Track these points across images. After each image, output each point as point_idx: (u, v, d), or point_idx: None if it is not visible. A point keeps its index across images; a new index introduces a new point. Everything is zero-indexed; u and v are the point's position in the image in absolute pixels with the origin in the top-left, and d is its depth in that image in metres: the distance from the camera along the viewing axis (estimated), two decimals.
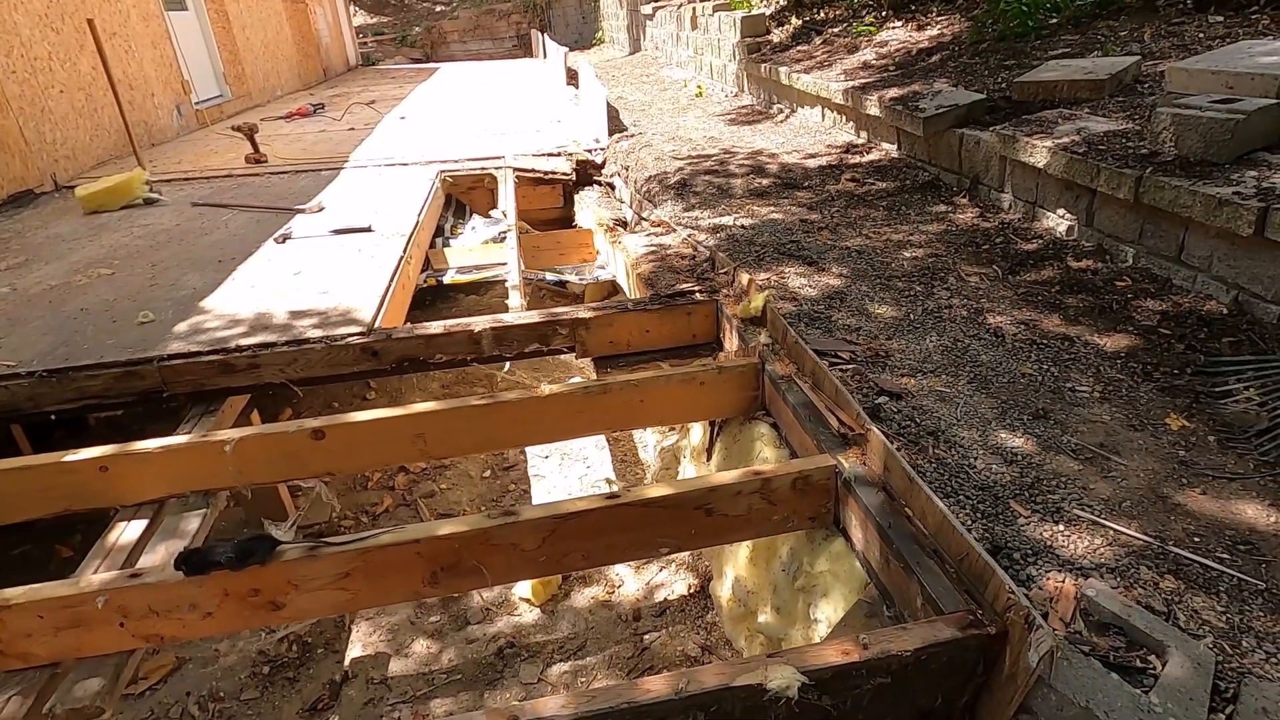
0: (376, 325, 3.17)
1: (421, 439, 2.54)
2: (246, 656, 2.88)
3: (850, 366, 2.46)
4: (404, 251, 4.08)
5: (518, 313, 3.21)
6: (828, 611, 1.99)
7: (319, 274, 3.76)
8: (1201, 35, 3.97)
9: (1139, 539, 1.74)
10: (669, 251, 3.90)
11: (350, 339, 3.00)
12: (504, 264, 4.55)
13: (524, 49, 20.99)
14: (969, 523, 1.80)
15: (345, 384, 4.57)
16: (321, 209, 5.04)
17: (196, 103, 8.99)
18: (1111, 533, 1.76)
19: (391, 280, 3.66)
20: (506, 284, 3.64)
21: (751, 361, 2.67)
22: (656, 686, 1.44)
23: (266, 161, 6.64)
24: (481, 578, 1.98)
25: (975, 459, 2.02)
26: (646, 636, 2.78)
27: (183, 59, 8.69)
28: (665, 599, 2.95)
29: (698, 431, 3.13)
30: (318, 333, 3.08)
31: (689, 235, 4.01)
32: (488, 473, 3.94)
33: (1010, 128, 3.48)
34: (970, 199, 3.88)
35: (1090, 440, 2.07)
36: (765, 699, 1.45)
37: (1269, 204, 2.29)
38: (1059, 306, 2.78)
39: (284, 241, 4.34)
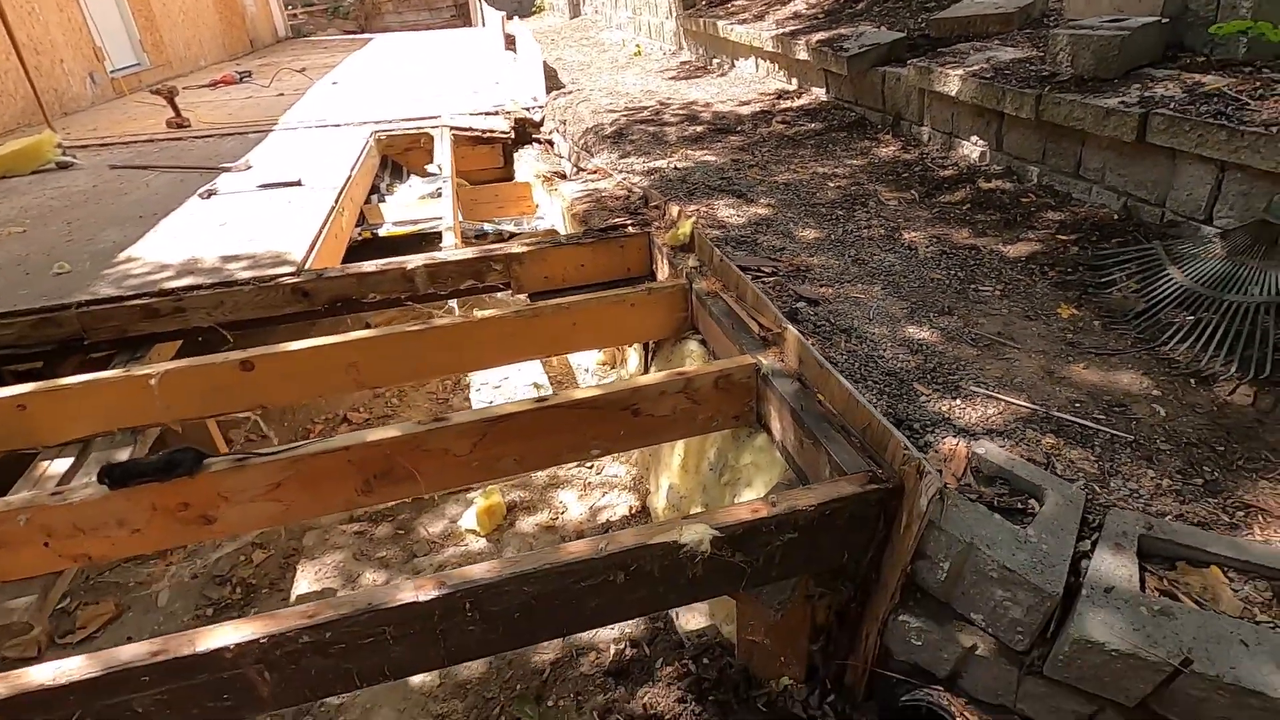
0: (307, 267, 3.14)
1: (354, 368, 2.55)
2: (190, 601, 2.87)
3: (772, 279, 2.56)
4: (335, 203, 4.02)
5: (452, 250, 3.22)
6: (749, 498, 2.09)
7: (247, 224, 3.68)
8: None
9: (1026, 407, 1.89)
10: (604, 194, 3.93)
11: (281, 279, 2.97)
12: (439, 218, 4.52)
13: (463, 18, 20.46)
14: (874, 401, 1.92)
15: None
16: (249, 167, 4.91)
17: (112, 71, 8.55)
18: (1003, 404, 1.91)
19: (323, 228, 3.61)
20: (442, 231, 3.61)
21: (679, 283, 2.75)
22: (578, 548, 1.52)
23: (189, 126, 6.39)
24: (415, 484, 2.03)
25: (884, 350, 2.15)
26: None
27: (93, 24, 8.23)
28: (608, 520, 3.04)
29: (634, 359, 3.21)
30: (247, 274, 3.03)
31: (623, 179, 4.05)
32: None
33: (926, 60, 3.61)
34: (893, 134, 4.02)
35: (989, 330, 2.22)
36: (681, 554, 1.54)
37: (1149, 110, 2.46)
38: (969, 222, 2.93)
39: (209, 197, 4.22)
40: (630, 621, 2.51)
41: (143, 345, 2.93)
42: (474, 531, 3.06)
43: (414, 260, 3.06)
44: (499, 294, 3.38)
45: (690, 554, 1.54)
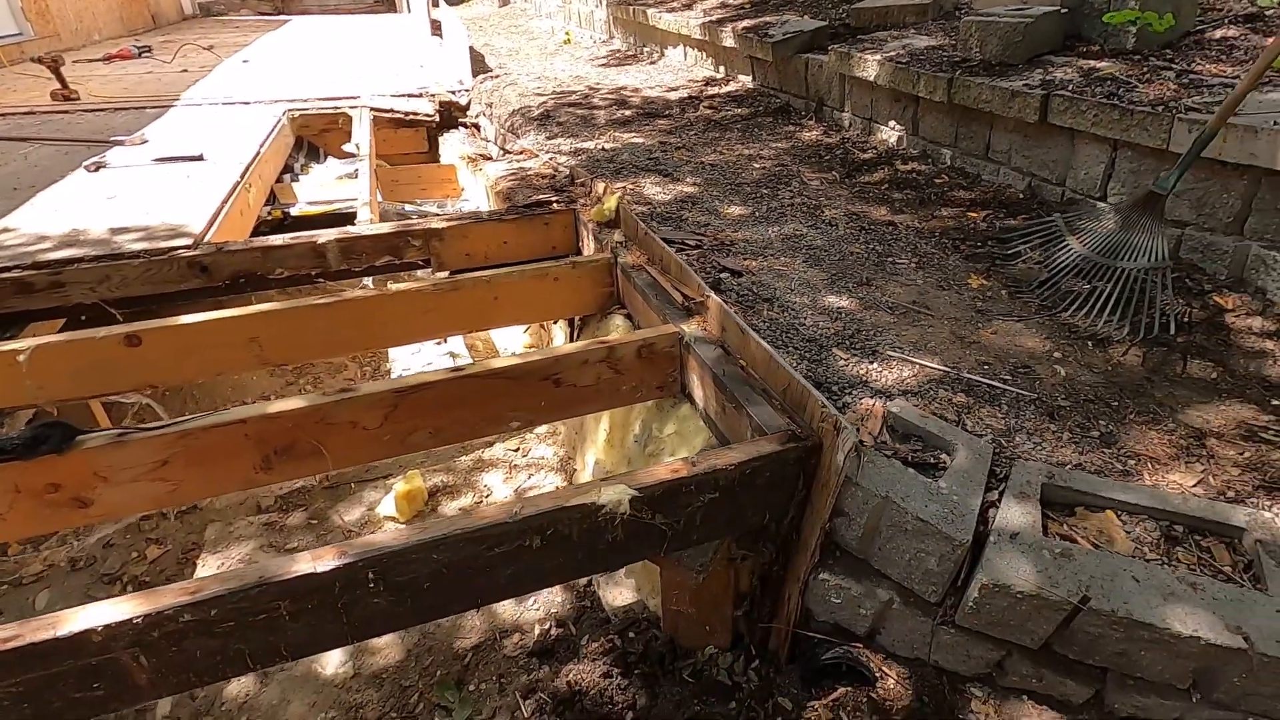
0: (208, 241, 2.93)
1: (256, 343, 2.38)
2: (73, 603, 2.62)
3: (697, 252, 2.55)
4: (241, 178, 3.78)
5: (367, 224, 3.07)
6: None
7: (140, 198, 3.41)
8: None
9: (939, 369, 1.94)
10: (529, 173, 3.85)
11: (176, 252, 2.75)
12: (356, 197, 4.32)
13: (387, 4, 19.78)
14: (795, 365, 1.93)
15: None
16: (144, 142, 4.56)
17: None
18: (917, 366, 1.95)
19: (225, 202, 3.38)
20: (357, 209, 3.45)
21: (604, 257, 2.70)
22: (491, 513, 1.45)
23: (77, 99, 5.90)
24: (322, 460, 1.91)
25: (805, 318, 2.16)
26: None
27: None
28: None
29: (559, 337, 3.14)
30: (139, 247, 2.80)
31: (550, 159, 3.97)
32: None
33: (846, 47, 3.69)
34: (816, 120, 4.09)
35: (905, 300, 2.27)
36: (600, 517, 1.49)
37: (1050, 92, 2.57)
38: (886, 200, 3.00)
39: (96, 170, 3.89)
40: (556, 601, 2.46)
41: (15, 324, 2.66)
42: (393, 518, 2.93)
43: (325, 234, 2.90)
44: (417, 272, 3.25)
45: (609, 516, 1.50)
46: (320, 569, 1.33)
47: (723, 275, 2.37)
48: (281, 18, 15.92)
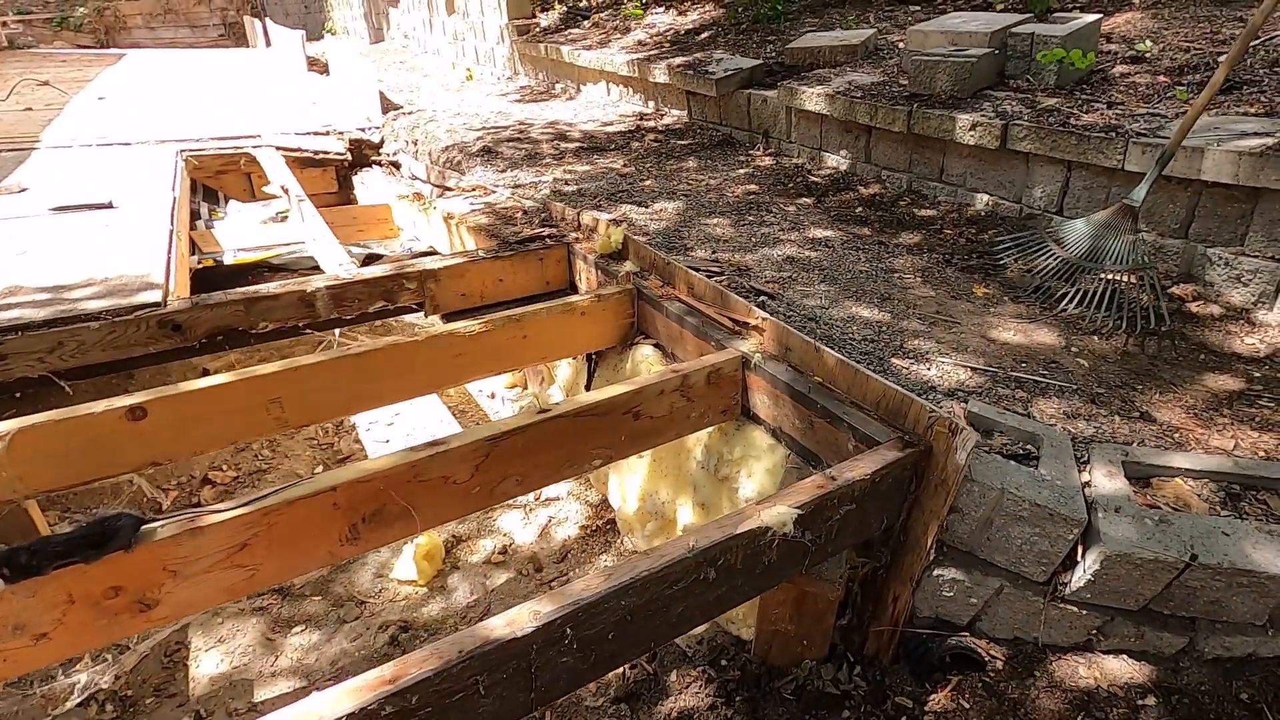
0: (172, 292, 2.61)
1: (278, 405, 2.15)
2: None
3: (722, 278, 2.62)
4: (171, 223, 3.40)
5: (355, 267, 2.87)
6: (752, 488, 2.11)
7: (63, 252, 2.97)
8: (909, 19, 4.89)
9: (988, 369, 2.13)
10: (498, 207, 3.76)
11: (143, 311, 2.43)
12: (300, 242, 4.01)
13: (234, 38, 18.48)
14: None
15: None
16: (23, 189, 3.97)
17: None
18: (968, 369, 2.13)
19: (170, 250, 3.03)
20: (320, 260, 3.20)
21: (627, 288, 2.70)
22: (670, 550, 1.41)
23: None
24: (410, 522, 1.76)
25: (852, 332, 2.29)
26: (554, 584, 2.68)
27: None
28: (564, 540, 2.86)
29: (564, 373, 3.08)
30: (95, 306, 2.44)
31: (511, 194, 3.91)
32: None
33: (794, 82, 3.97)
34: (764, 150, 4.34)
35: (928, 310, 2.47)
36: (761, 542, 1.50)
37: (1008, 121, 2.92)
38: (865, 221, 3.24)
39: None
40: None
41: None
42: (413, 581, 2.71)
43: (315, 281, 2.69)
44: (408, 317, 3.08)
45: (770, 539, 1.51)
46: (519, 632, 1.24)
47: (760, 299, 2.45)
48: (114, 52, 14.41)
